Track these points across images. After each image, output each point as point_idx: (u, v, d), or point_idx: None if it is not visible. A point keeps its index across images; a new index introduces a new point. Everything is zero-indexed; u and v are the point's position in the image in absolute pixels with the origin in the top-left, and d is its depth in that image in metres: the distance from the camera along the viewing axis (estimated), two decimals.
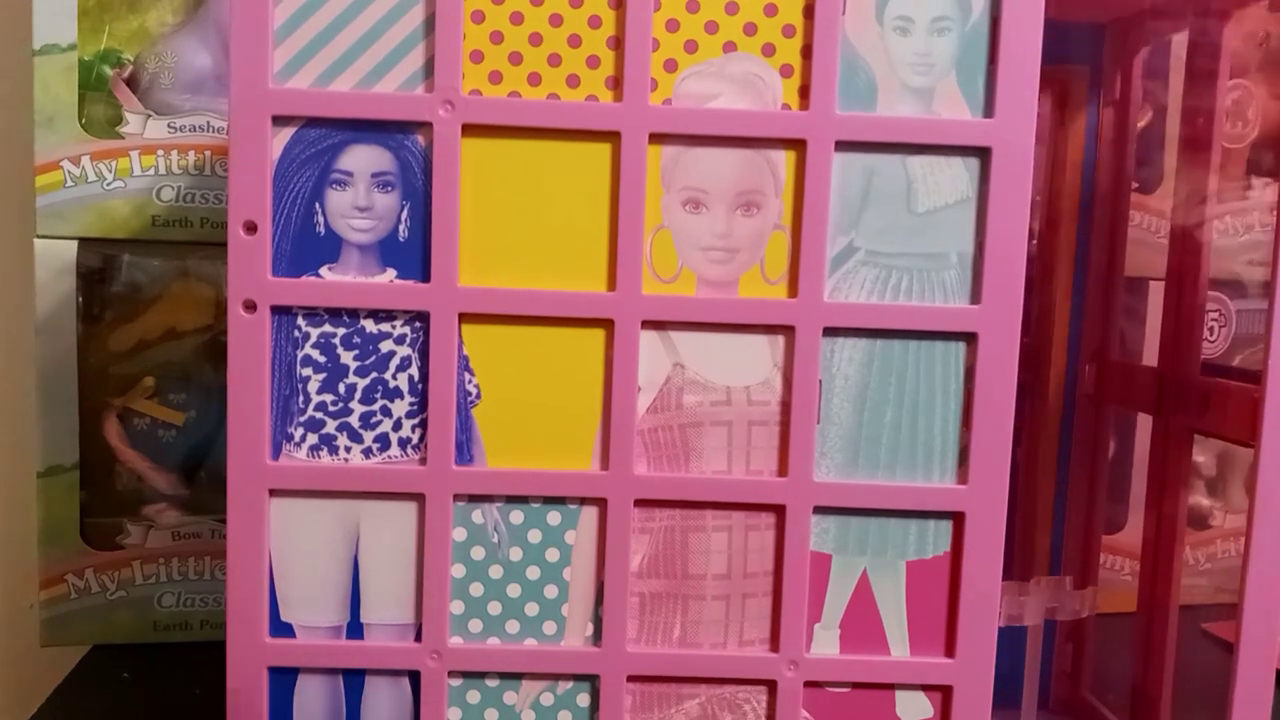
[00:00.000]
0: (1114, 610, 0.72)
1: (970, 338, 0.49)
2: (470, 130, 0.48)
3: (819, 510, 0.50)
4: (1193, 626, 0.83)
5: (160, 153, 0.75)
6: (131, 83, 0.76)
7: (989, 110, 0.48)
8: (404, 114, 0.48)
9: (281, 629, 0.51)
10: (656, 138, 0.48)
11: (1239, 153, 0.64)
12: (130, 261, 0.79)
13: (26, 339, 0.81)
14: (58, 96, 0.73)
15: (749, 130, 0.48)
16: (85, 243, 0.75)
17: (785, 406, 0.50)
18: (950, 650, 0.51)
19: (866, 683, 0.51)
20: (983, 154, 0.49)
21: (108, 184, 0.75)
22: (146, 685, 0.73)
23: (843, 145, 0.48)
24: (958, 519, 0.50)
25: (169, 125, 0.76)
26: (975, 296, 0.49)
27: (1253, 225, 0.58)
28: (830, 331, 0.49)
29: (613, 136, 0.48)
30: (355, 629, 0.51)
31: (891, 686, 0.51)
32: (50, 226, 0.74)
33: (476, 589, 0.51)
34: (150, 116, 0.76)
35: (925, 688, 0.51)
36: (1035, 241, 0.70)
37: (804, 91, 0.48)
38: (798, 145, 0.48)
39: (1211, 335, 0.63)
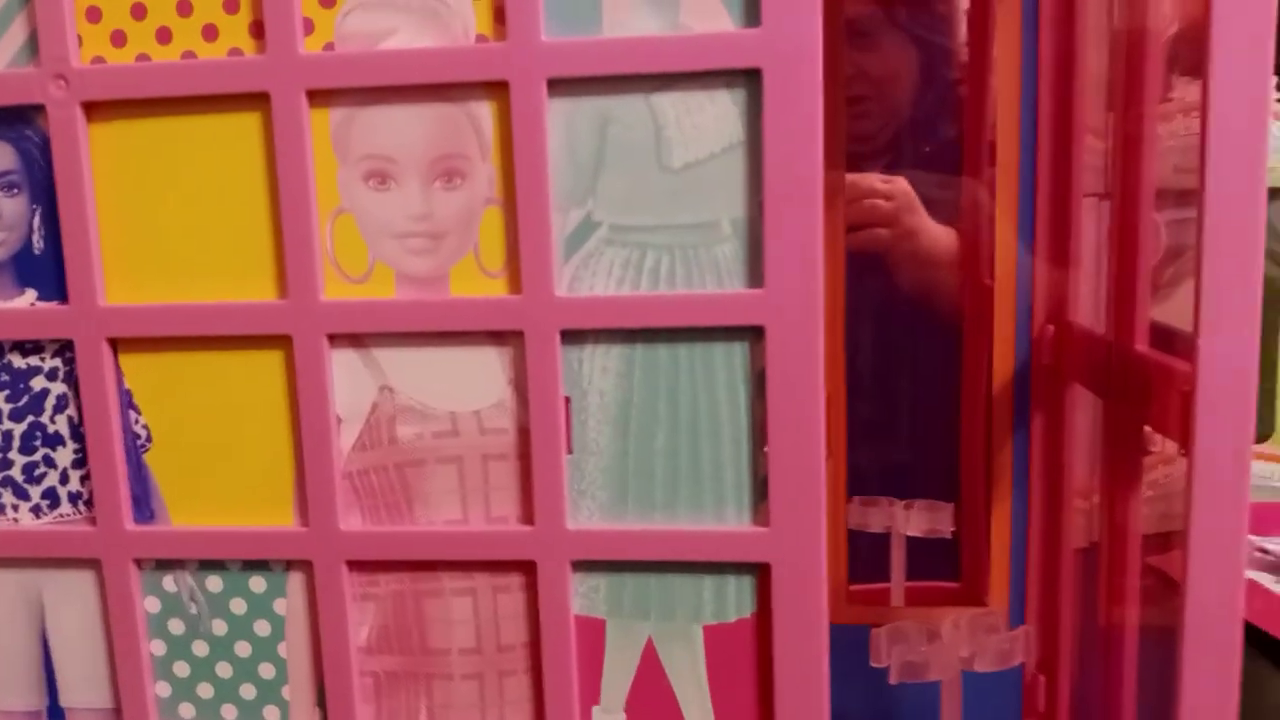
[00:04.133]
0: None
1: (755, 332, 0.36)
2: (97, 112, 0.38)
3: (580, 566, 0.39)
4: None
5: None
6: None
7: (753, 15, 0.35)
8: (10, 97, 0.38)
9: None
10: (318, 96, 0.37)
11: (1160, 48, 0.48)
12: None
13: None
14: None
15: (434, 74, 0.36)
16: None
17: (526, 434, 0.38)
18: None
19: None
20: (751, 79, 0.35)
21: None
22: None
23: (559, 84, 0.36)
24: (761, 571, 0.38)
25: None
26: (756, 277, 0.36)
27: (1176, 130, 0.42)
28: (573, 335, 0.37)
29: (261, 100, 0.37)
30: (56, 714, 0.43)
31: None
32: None
33: (181, 668, 0.42)
34: None
35: None
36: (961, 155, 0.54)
37: (500, 14, 0.36)
38: (499, 89, 0.36)
39: (1152, 259, 0.47)
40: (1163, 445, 0.75)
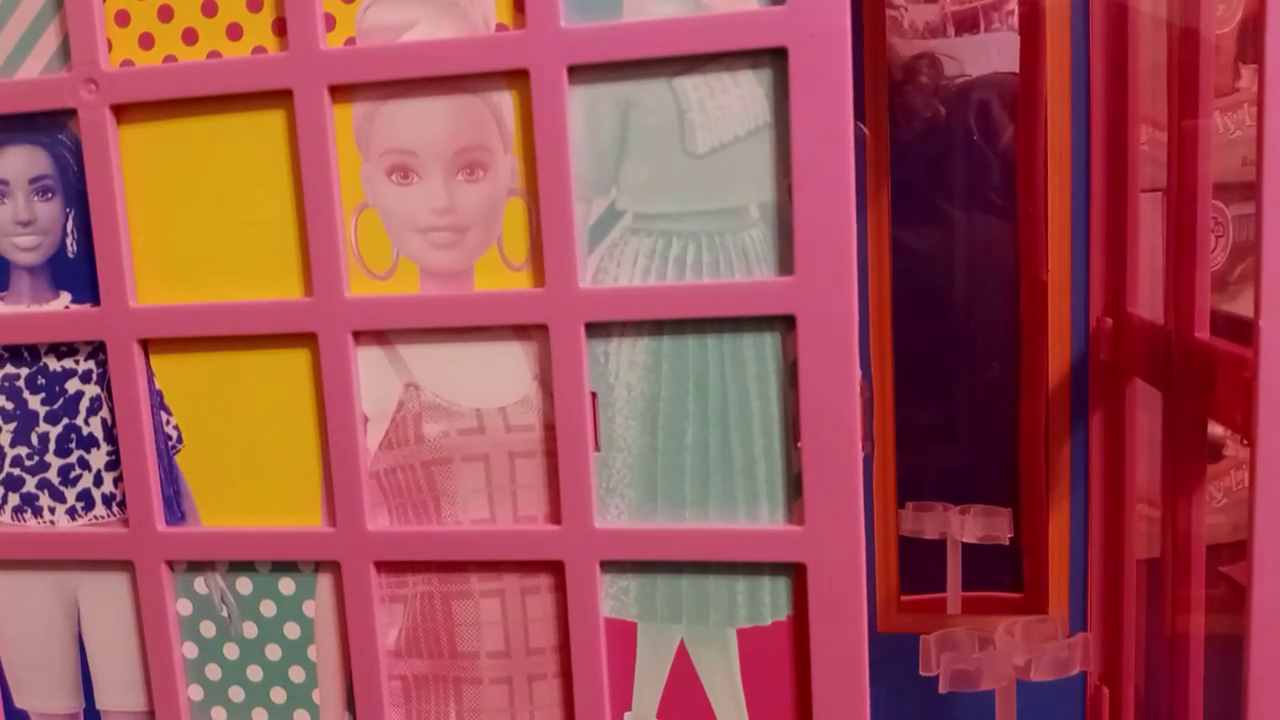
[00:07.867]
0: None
1: (786, 322, 0.35)
2: (127, 114, 0.38)
3: (610, 566, 0.38)
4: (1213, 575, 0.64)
5: None
6: None
7: None
8: (44, 102, 0.39)
9: (16, 716, 0.43)
10: (340, 91, 0.37)
11: (1226, 38, 0.46)
12: None
13: None
14: None
15: (455, 65, 0.36)
16: None
17: (552, 431, 0.37)
18: None
19: None
20: (777, 58, 0.34)
21: None
22: None
23: (580, 71, 0.35)
24: (797, 572, 0.36)
25: None
26: (787, 264, 0.35)
27: (1244, 120, 0.40)
28: (598, 329, 0.36)
29: (284, 97, 0.37)
30: (93, 716, 0.43)
31: None
32: None
33: (213, 671, 0.41)
34: None
35: None
36: (1004, 142, 0.52)
37: (520, 2, 0.35)
38: (520, 78, 0.35)
39: (1210, 247, 0.45)
40: (1236, 451, 0.71)
